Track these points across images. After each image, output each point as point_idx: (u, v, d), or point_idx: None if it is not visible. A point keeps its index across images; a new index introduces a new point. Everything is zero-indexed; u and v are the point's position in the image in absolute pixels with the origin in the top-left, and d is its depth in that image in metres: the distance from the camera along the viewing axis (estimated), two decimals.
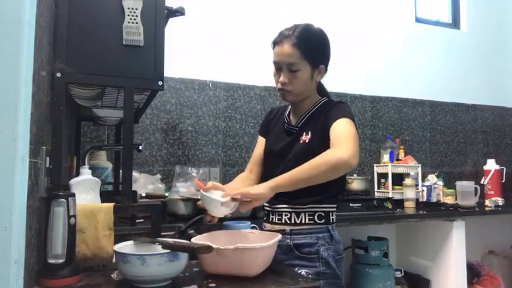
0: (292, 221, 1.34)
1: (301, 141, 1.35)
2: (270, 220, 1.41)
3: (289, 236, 1.34)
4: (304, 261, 1.30)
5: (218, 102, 2.57)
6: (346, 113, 1.30)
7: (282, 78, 1.33)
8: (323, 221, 1.34)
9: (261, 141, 1.53)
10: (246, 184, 1.44)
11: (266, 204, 1.43)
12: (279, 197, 1.29)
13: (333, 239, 1.34)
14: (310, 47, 1.31)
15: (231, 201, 1.14)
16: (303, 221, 1.33)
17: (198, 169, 2.35)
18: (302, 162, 1.25)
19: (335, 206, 1.38)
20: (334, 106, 1.34)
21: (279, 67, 1.34)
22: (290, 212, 1.35)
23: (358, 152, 1.18)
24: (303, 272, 1.27)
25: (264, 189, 1.15)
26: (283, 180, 1.17)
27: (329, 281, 1.29)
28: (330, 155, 1.16)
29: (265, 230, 1.37)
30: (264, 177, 1.46)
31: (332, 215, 1.37)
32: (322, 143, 1.27)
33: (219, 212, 1.18)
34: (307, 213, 1.33)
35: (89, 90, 1.32)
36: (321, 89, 1.46)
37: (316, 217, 1.33)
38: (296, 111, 1.43)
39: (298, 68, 1.31)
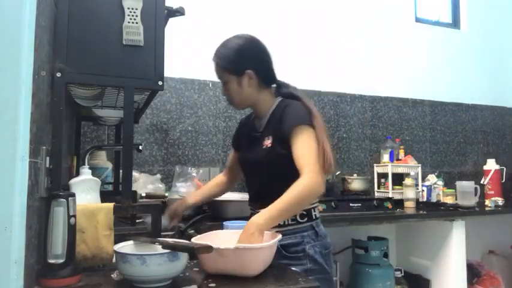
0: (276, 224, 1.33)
1: (264, 147, 1.36)
2: None
3: None
4: (292, 260, 1.31)
5: (218, 102, 2.57)
6: (301, 115, 1.30)
7: (222, 91, 1.44)
8: (305, 219, 1.35)
9: (233, 152, 1.63)
10: (220, 188, 1.63)
11: (251, 207, 1.47)
12: (260, 204, 1.30)
13: (318, 235, 1.36)
14: (226, 59, 1.38)
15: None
16: (286, 223, 1.34)
17: (198, 169, 2.35)
18: (270, 167, 1.31)
19: (316, 202, 1.40)
20: (287, 108, 1.35)
21: None
22: None
23: (321, 171, 1.23)
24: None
25: (258, 238, 1.13)
26: (271, 221, 1.16)
27: (318, 277, 1.30)
28: (300, 188, 1.19)
29: None
30: (247, 185, 1.52)
31: (314, 211, 1.39)
32: (283, 145, 1.30)
33: None
34: None
35: (89, 90, 1.32)
36: (279, 90, 1.45)
37: (298, 217, 1.35)
38: (258, 116, 1.46)
39: (225, 80, 1.39)
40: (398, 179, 2.78)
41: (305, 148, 1.25)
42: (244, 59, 1.37)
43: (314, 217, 1.38)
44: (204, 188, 1.68)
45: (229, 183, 1.65)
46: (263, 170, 1.36)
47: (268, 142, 1.35)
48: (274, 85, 1.46)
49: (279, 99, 1.42)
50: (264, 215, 1.15)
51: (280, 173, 1.23)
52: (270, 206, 1.17)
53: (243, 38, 1.40)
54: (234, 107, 1.48)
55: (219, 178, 1.66)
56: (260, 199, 1.29)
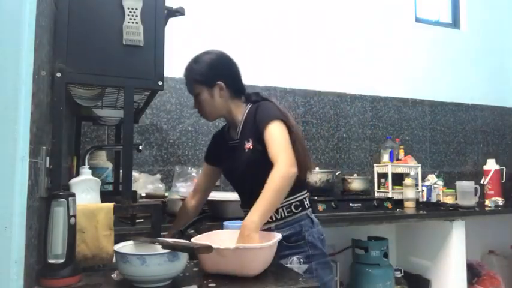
0: (274, 218, 1.40)
1: (246, 150, 1.40)
2: None
3: (276, 231, 1.38)
4: (294, 249, 1.39)
5: None
6: (272, 112, 1.36)
7: (194, 105, 1.50)
8: (300, 209, 1.43)
9: (205, 168, 1.63)
10: (192, 213, 1.63)
11: (246, 209, 1.47)
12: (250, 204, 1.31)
13: (313, 222, 1.45)
14: (198, 72, 1.44)
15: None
16: (283, 215, 1.41)
17: (198, 169, 2.35)
18: (257, 167, 1.32)
19: (305, 191, 1.47)
20: (259, 108, 1.40)
21: None
22: None
23: (292, 157, 1.26)
24: (294, 258, 1.36)
25: (255, 237, 1.14)
26: (261, 217, 1.19)
27: (319, 261, 1.39)
28: (275, 178, 1.22)
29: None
30: (238, 193, 1.56)
31: (306, 201, 1.46)
32: (262, 144, 1.33)
33: None
34: (284, 208, 1.40)
35: (89, 90, 1.32)
36: (250, 99, 1.50)
37: (293, 208, 1.41)
38: (233, 125, 1.50)
39: (197, 92, 1.44)
40: (398, 179, 2.77)
41: (275, 140, 1.30)
42: (215, 72, 1.44)
43: (307, 206, 1.45)
44: (178, 220, 1.63)
45: (198, 206, 1.64)
46: (252, 171, 1.38)
47: (249, 145, 1.39)
48: (243, 96, 1.51)
49: (249, 105, 1.48)
50: (254, 214, 1.17)
51: (268, 170, 1.25)
52: (255, 205, 1.19)
53: (213, 53, 1.47)
54: (205, 118, 1.51)
55: (188, 204, 1.63)
56: (254, 199, 1.30)
